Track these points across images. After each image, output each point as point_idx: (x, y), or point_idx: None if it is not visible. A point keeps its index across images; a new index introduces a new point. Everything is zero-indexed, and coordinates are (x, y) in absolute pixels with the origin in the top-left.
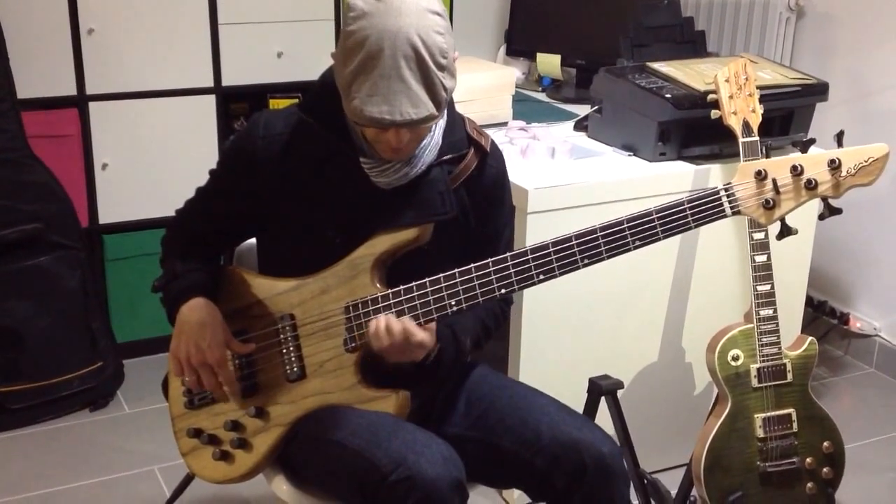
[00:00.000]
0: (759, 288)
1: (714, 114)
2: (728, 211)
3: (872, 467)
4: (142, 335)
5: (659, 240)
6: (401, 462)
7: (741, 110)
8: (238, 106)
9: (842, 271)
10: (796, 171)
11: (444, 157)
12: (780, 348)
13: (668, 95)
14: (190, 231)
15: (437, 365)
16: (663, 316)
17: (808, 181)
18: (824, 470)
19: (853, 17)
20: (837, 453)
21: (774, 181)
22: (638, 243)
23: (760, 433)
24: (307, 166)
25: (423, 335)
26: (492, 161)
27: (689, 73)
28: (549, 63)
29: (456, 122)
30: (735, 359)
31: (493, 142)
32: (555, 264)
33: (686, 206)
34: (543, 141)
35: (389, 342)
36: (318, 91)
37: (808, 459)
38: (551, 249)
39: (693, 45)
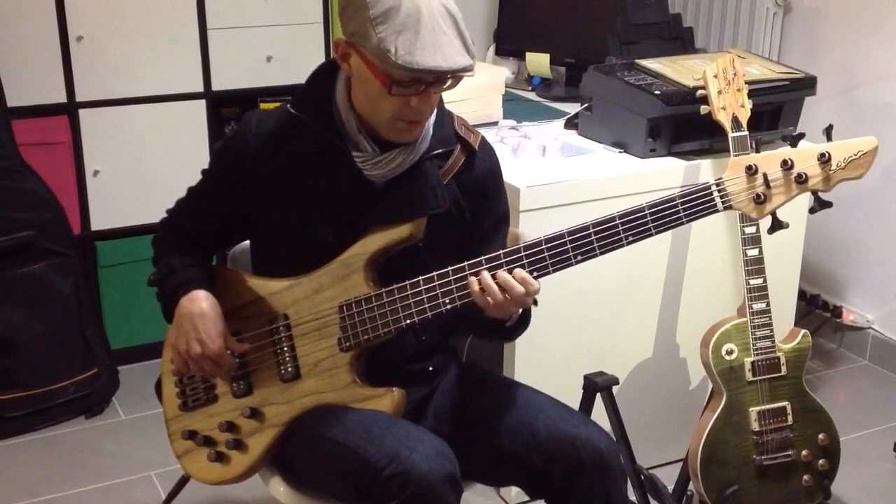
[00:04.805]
0: (752, 282)
1: (703, 109)
2: (720, 206)
3: (867, 459)
4: (136, 341)
5: (651, 235)
6: (394, 457)
7: (730, 105)
8: (228, 110)
9: (834, 265)
10: (787, 166)
11: (434, 152)
12: (773, 342)
13: (657, 92)
14: (182, 231)
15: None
16: (657, 312)
17: (799, 175)
18: (820, 462)
19: (840, 12)
20: (833, 445)
21: (765, 175)
22: (630, 239)
23: (756, 426)
24: (299, 163)
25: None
26: (482, 155)
27: (678, 70)
28: (539, 62)
29: (445, 118)
30: (729, 353)
31: (483, 138)
32: (548, 261)
33: (678, 201)
34: (534, 139)
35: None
36: (309, 88)
37: (804, 452)
38: (545, 246)
39: (681, 41)
